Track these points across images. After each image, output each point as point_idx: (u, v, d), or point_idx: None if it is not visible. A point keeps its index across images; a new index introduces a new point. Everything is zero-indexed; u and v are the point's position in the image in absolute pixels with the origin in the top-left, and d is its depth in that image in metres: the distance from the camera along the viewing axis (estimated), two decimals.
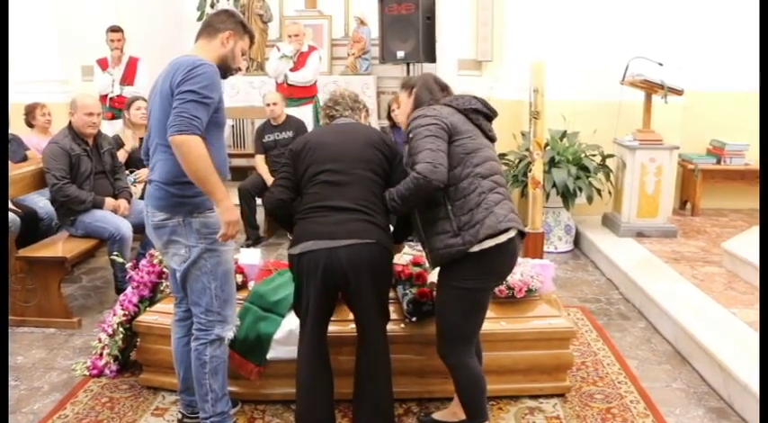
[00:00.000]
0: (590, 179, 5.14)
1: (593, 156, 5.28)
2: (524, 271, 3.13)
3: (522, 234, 2.50)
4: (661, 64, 4.95)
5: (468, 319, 2.49)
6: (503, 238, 2.38)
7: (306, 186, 2.58)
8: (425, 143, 2.35)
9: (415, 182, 2.33)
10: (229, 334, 2.59)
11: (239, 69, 2.66)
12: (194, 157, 2.27)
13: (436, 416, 2.83)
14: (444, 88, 2.63)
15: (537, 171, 4.58)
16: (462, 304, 2.46)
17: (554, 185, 5.00)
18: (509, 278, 3.03)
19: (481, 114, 2.55)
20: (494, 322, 2.99)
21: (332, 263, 2.44)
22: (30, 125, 5.36)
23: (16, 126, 5.24)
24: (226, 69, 2.53)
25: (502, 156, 5.52)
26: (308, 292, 2.52)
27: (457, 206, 2.39)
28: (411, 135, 2.43)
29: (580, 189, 5.07)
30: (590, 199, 5.13)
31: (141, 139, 5.03)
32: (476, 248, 2.35)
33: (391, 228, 2.70)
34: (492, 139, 2.59)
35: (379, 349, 2.60)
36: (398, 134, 4.66)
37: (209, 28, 2.52)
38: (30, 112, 5.32)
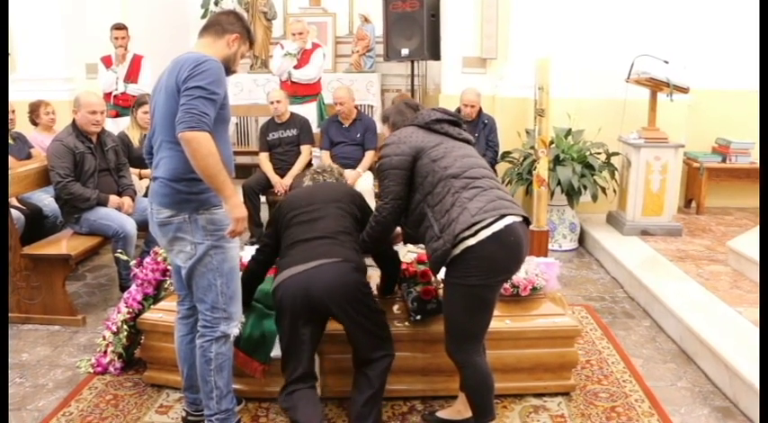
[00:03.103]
0: (595, 177, 5.13)
1: (598, 154, 5.27)
2: (529, 269, 3.12)
3: (527, 221, 2.49)
4: (667, 62, 4.93)
5: (473, 316, 2.47)
6: (498, 226, 2.35)
7: (285, 230, 2.77)
8: (382, 178, 2.55)
9: (375, 219, 2.63)
10: (234, 331, 2.59)
11: (235, 72, 2.66)
12: (204, 153, 2.26)
13: (441, 414, 2.82)
14: (416, 108, 2.72)
15: (542, 169, 4.57)
16: (466, 302, 2.44)
17: (559, 183, 4.99)
18: (514, 276, 3.03)
19: (445, 122, 2.61)
20: (498, 320, 2.97)
21: (301, 285, 2.54)
22: (34, 123, 5.36)
23: (21, 124, 5.25)
24: (226, 70, 2.52)
25: (506, 154, 5.52)
26: (289, 323, 2.57)
27: (436, 211, 2.44)
28: (378, 166, 2.60)
29: (585, 187, 5.06)
30: (595, 197, 5.12)
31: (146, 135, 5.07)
32: (472, 241, 2.33)
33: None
34: (466, 141, 2.63)
35: (372, 373, 2.60)
36: None
37: (217, 27, 2.51)
38: (34, 111, 5.33)
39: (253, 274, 2.90)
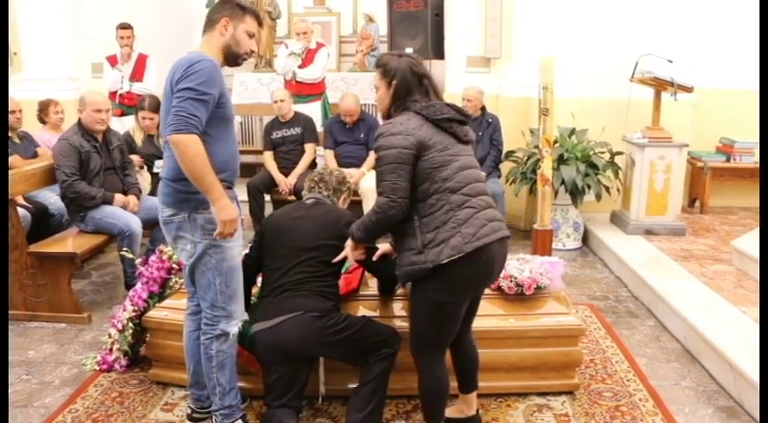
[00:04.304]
0: (599, 176, 5.12)
1: (602, 153, 5.27)
2: (533, 268, 3.12)
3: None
4: (671, 61, 4.92)
5: (436, 328, 2.42)
6: (472, 247, 2.27)
7: (263, 268, 2.87)
8: (387, 171, 2.31)
9: (376, 216, 2.36)
10: (234, 329, 2.60)
11: (252, 52, 2.55)
12: (190, 156, 2.27)
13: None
14: (421, 79, 2.43)
15: (546, 168, 4.57)
16: (431, 314, 2.39)
17: (563, 183, 4.99)
18: (518, 275, 3.05)
19: (455, 121, 2.40)
20: (502, 319, 3.00)
21: (273, 340, 2.63)
22: (42, 121, 5.38)
23: (28, 123, 5.26)
24: (235, 57, 2.50)
25: (510, 153, 5.52)
26: (278, 369, 2.66)
27: (424, 223, 2.31)
28: (377, 156, 2.37)
29: (589, 186, 5.05)
30: (598, 196, 5.12)
31: (150, 136, 5.14)
32: (444, 260, 2.26)
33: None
34: (469, 143, 2.47)
35: (372, 360, 2.66)
36: None
37: (207, 21, 2.51)
38: (43, 109, 5.35)
39: (244, 277, 2.89)
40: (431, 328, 2.42)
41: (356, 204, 4.95)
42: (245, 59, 2.58)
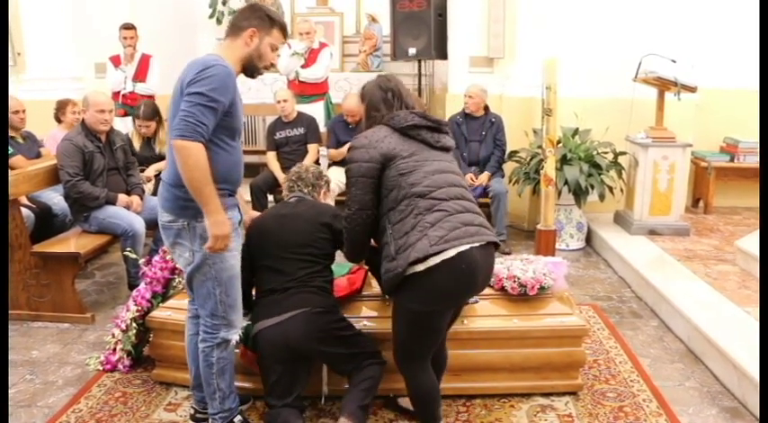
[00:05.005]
0: (602, 177, 5.11)
1: (606, 153, 5.26)
2: (537, 268, 3.12)
3: (495, 244, 2.38)
4: (674, 61, 4.91)
5: (415, 338, 2.41)
6: (449, 254, 2.21)
7: (255, 272, 2.85)
8: (350, 185, 2.40)
9: (345, 230, 2.47)
10: (234, 337, 2.58)
11: (272, 65, 2.53)
12: (192, 164, 2.23)
13: (402, 402, 2.86)
14: (386, 92, 2.46)
15: (549, 168, 4.56)
16: (409, 324, 2.38)
17: (566, 183, 4.98)
18: (521, 275, 3.04)
19: (423, 128, 2.40)
20: (506, 319, 3.00)
21: (279, 337, 2.65)
22: (58, 120, 5.39)
23: (32, 123, 5.27)
24: (254, 69, 2.46)
25: (514, 153, 5.51)
26: (280, 368, 2.67)
27: (396, 230, 2.30)
28: (345, 170, 2.44)
29: (592, 186, 5.05)
30: (602, 196, 5.11)
31: (148, 139, 5.15)
32: (420, 267, 2.22)
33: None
34: (444, 149, 2.44)
35: (364, 364, 2.70)
36: None
37: (234, 27, 2.44)
38: (61, 108, 5.35)
39: (243, 279, 2.88)
40: (409, 337, 2.41)
41: None
42: (261, 73, 2.53)
